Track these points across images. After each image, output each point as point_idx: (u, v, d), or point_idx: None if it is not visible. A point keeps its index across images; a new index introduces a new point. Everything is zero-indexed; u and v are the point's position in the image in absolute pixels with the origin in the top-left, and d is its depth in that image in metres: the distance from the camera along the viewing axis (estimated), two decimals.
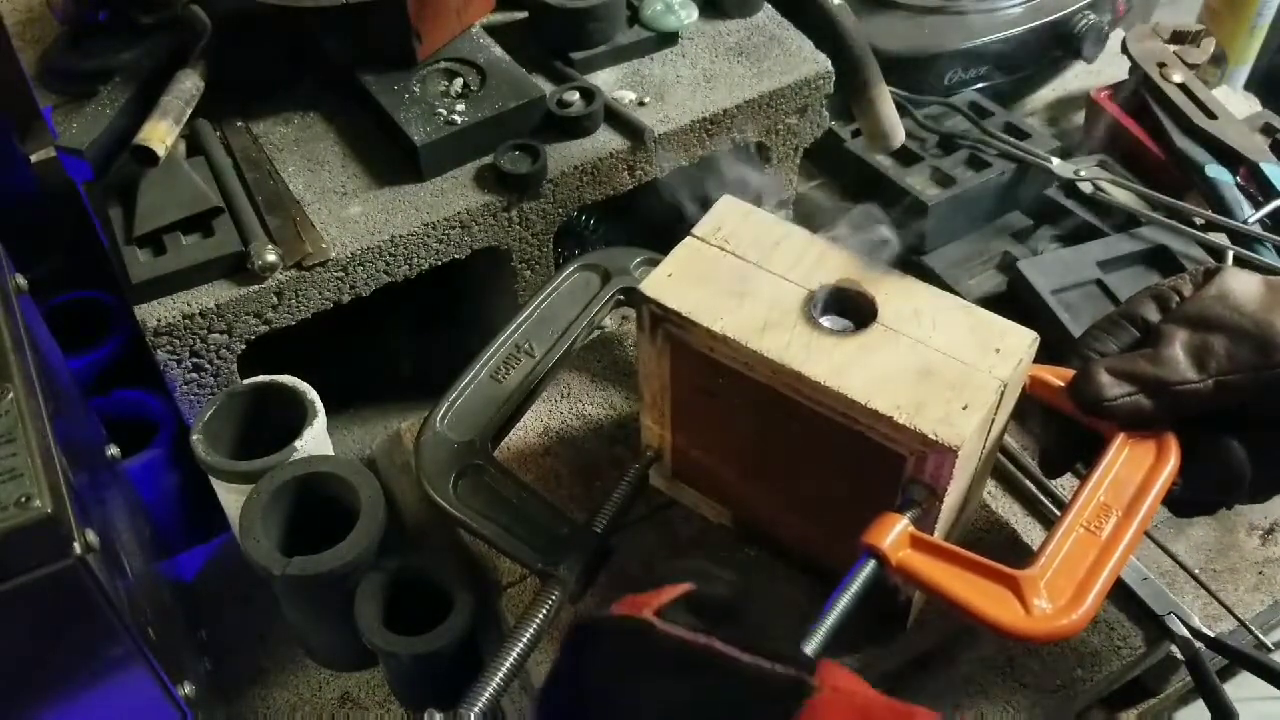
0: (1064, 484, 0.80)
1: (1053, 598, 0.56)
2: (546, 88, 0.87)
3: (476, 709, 0.59)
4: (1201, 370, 0.61)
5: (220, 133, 0.85)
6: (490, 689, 0.60)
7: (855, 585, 0.58)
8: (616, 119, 0.87)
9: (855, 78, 0.91)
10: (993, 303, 0.64)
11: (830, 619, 0.56)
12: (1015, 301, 0.90)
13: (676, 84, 0.91)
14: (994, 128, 1.02)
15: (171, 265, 0.75)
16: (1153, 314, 0.65)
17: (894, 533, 0.58)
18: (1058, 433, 0.67)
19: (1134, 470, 0.61)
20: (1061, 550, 0.58)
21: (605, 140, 0.86)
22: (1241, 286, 0.63)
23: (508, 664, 0.61)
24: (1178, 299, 0.65)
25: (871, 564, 0.58)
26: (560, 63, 0.91)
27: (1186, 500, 0.65)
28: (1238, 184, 0.95)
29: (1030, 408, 0.67)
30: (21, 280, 0.67)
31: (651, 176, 0.89)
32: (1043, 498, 0.80)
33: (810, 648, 0.56)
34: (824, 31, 0.93)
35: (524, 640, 0.62)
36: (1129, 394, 0.61)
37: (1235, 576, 0.78)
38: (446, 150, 0.82)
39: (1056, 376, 0.65)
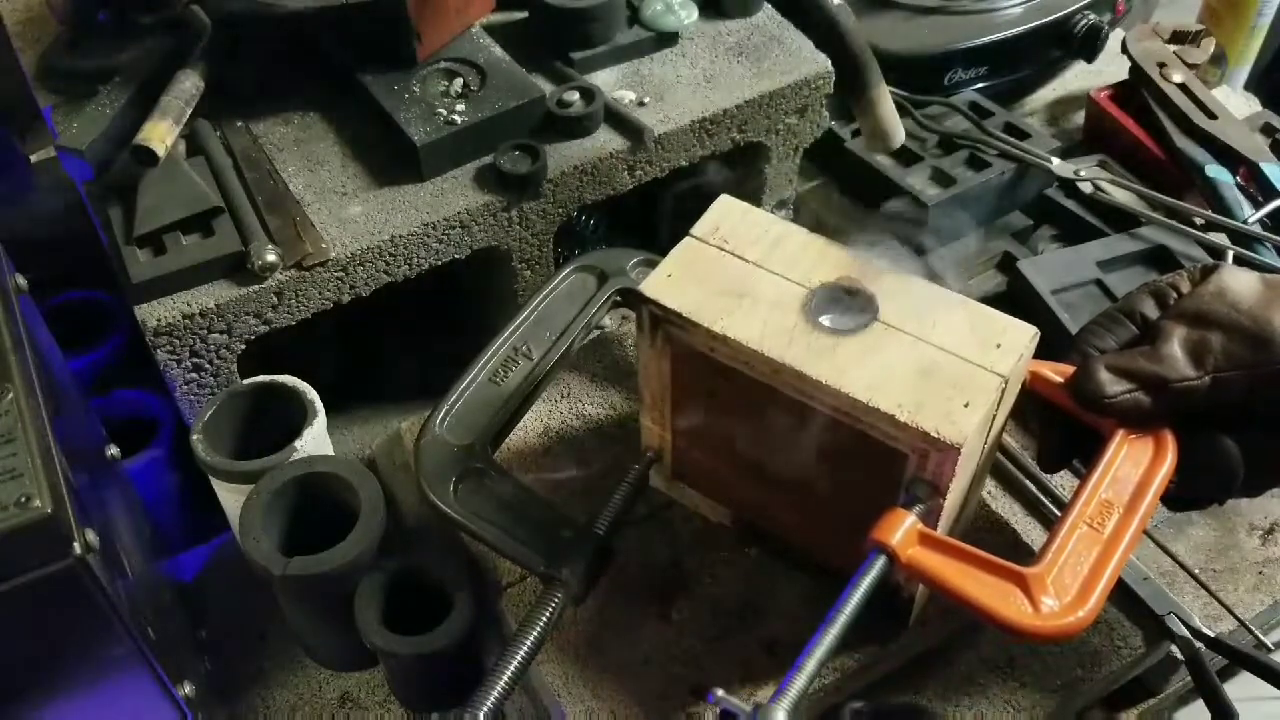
0: (1064, 484, 0.80)
1: (1059, 594, 0.56)
2: (546, 88, 0.87)
3: (482, 713, 0.59)
4: (1199, 367, 0.61)
5: (220, 133, 0.85)
6: (495, 693, 0.60)
7: (865, 582, 0.57)
8: (616, 119, 0.87)
9: (855, 78, 0.91)
10: (992, 303, 0.64)
11: (843, 616, 0.56)
12: (1015, 301, 0.90)
13: (676, 84, 0.91)
14: (994, 128, 1.02)
15: (171, 265, 0.74)
16: (1151, 310, 0.65)
17: (902, 529, 0.58)
18: (1056, 428, 0.67)
19: (1133, 467, 0.61)
20: (1066, 547, 0.58)
21: (605, 140, 0.86)
22: (1239, 283, 0.63)
23: (512, 668, 0.61)
24: (1175, 295, 0.65)
25: (881, 560, 0.58)
26: (560, 63, 0.91)
27: (1180, 496, 0.65)
28: (1238, 184, 0.95)
29: (1029, 404, 0.67)
30: (21, 280, 0.67)
31: (651, 176, 0.89)
32: (1043, 498, 0.80)
33: (825, 643, 0.55)
34: (824, 31, 0.93)
35: (528, 644, 0.62)
36: (1129, 391, 0.61)
37: (1235, 576, 0.78)
38: (446, 150, 0.82)
39: (1055, 372, 0.65)
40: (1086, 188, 0.97)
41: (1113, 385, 0.62)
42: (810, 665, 0.55)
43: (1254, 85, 1.34)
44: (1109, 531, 0.59)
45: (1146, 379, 0.61)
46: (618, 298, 0.81)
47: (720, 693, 0.55)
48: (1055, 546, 0.58)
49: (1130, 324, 0.65)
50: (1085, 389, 0.62)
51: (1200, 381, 0.61)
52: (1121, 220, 0.95)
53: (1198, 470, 0.62)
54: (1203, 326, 0.62)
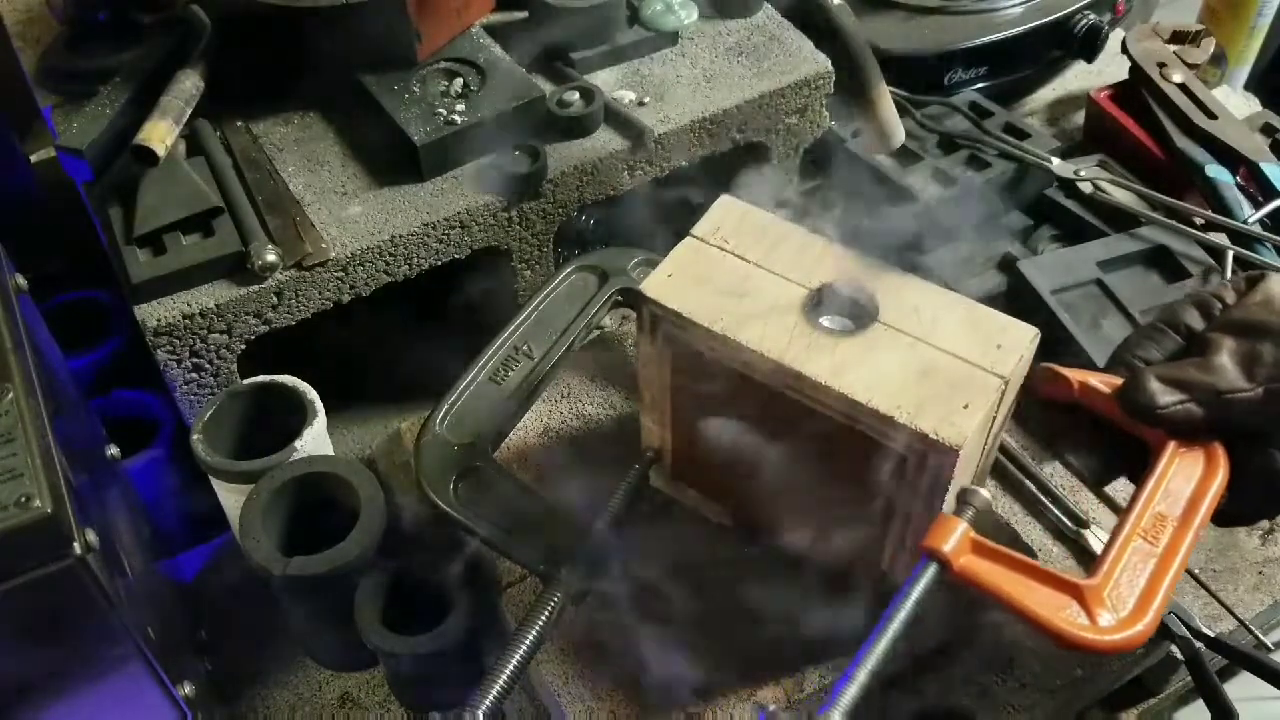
0: (1064, 484, 0.80)
1: (1115, 608, 0.56)
2: (546, 88, 0.87)
3: (481, 711, 0.59)
4: (1251, 379, 0.60)
5: (220, 133, 0.85)
6: (494, 691, 0.60)
7: (917, 590, 0.56)
8: (616, 119, 0.87)
9: (855, 78, 0.91)
10: (992, 303, 0.64)
11: (894, 625, 0.55)
12: (1015, 301, 0.90)
13: (676, 84, 0.91)
14: (994, 128, 1.02)
15: (171, 265, 0.74)
16: (1196, 321, 0.65)
17: (955, 537, 0.57)
18: (1105, 441, 0.67)
19: (1185, 481, 0.61)
20: (1122, 560, 0.58)
21: (605, 140, 0.86)
22: None
23: (511, 666, 0.61)
24: (1220, 306, 0.65)
25: (933, 568, 0.57)
26: (560, 63, 0.91)
27: (1229, 511, 0.65)
28: (1238, 184, 0.95)
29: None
30: (21, 280, 0.67)
31: (651, 176, 0.89)
32: (1042, 498, 0.80)
33: (876, 652, 0.55)
34: (824, 31, 0.93)
35: (527, 643, 0.62)
36: (1180, 402, 0.61)
37: (1235, 576, 0.78)
38: (446, 150, 0.82)
39: (1104, 384, 0.65)
40: (1086, 188, 0.97)
41: (1164, 396, 0.61)
42: (862, 675, 0.54)
43: (1254, 85, 1.34)
44: (1164, 545, 0.58)
45: (1198, 389, 0.61)
46: (618, 298, 0.81)
47: (772, 707, 0.54)
48: (1111, 559, 0.57)
49: (1176, 336, 0.65)
50: (1136, 399, 0.62)
51: (1253, 393, 0.60)
52: (1121, 220, 0.95)
53: (1249, 484, 0.62)
54: (1253, 337, 0.61)
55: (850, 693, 0.54)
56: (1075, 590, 0.56)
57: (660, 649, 0.70)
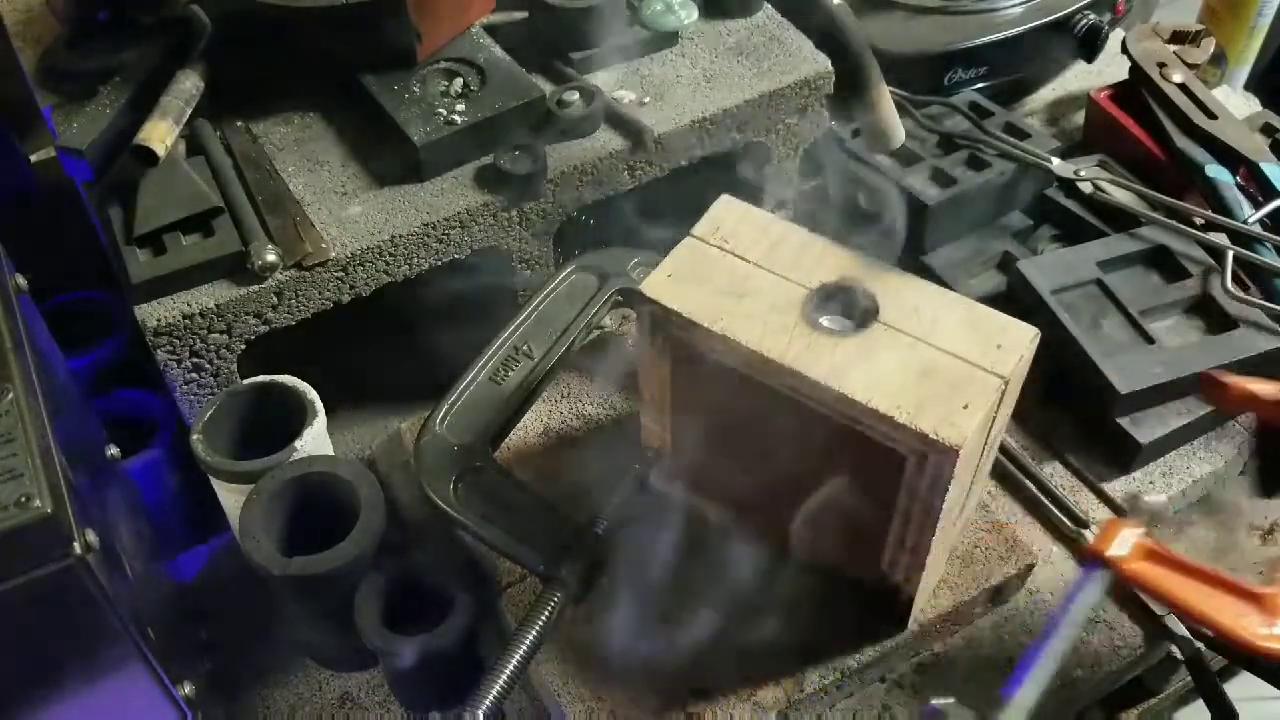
0: (1064, 484, 0.80)
1: None
2: (546, 88, 0.87)
3: (481, 711, 0.59)
4: None
5: (220, 133, 0.85)
6: (494, 692, 0.60)
7: (1086, 599, 0.56)
8: (616, 119, 0.87)
9: (855, 78, 0.91)
10: (992, 303, 0.64)
11: (1068, 631, 0.55)
12: (1015, 301, 0.90)
13: (676, 84, 0.91)
14: (994, 128, 1.02)
15: (171, 265, 0.74)
16: None
17: (1125, 543, 0.57)
18: (1275, 448, 0.66)
19: None
20: None
21: (605, 140, 0.86)
22: None
23: (511, 667, 0.61)
24: None
25: (1101, 574, 0.56)
26: (560, 63, 0.91)
27: None
28: (1238, 184, 0.95)
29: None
30: (21, 280, 0.67)
31: (651, 176, 0.89)
32: (1043, 498, 0.80)
33: (1045, 670, 0.54)
34: (824, 31, 0.93)
35: (526, 643, 0.62)
36: None
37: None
38: (446, 150, 0.82)
39: (1272, 391, 0.64)
40: (1086, 188, 0.97)
41: None
42: (1032, 691, 0.54)
43: (1254, 85, 1.34)
44: None
45: None
46: (618, 298, 0.81)
47: (940, 702, 0.54)
48: None
49: None
50: None
51: None
52: (1121, 220, 0.95)
53: None
54: None
55: (1031, 690, 0.54)
56: (1254, 598, 0.56)
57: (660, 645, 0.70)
